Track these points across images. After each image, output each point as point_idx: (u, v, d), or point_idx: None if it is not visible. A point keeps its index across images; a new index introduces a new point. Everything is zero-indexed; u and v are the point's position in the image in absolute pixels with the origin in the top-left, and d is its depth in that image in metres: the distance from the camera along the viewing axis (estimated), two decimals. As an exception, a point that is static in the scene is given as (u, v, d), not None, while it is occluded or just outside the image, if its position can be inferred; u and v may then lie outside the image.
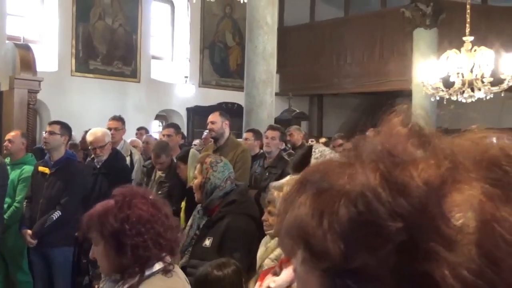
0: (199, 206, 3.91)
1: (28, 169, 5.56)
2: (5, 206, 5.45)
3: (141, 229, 2.02)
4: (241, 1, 5.08)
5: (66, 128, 5.45)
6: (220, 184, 3.86)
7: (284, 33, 13.19)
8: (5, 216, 5.41)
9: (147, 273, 2.04)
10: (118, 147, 6.33)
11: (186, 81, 13.00)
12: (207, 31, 13.63)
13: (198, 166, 3.92)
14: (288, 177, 2.92)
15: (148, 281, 2.03)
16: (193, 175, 4.75)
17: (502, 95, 8.28)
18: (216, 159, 4.01)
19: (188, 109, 13.16)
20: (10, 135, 5.73)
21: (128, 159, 6.56)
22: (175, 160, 5.53)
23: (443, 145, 0.57)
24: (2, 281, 5.75)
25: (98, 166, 5.62)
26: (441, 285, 0.49)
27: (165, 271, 2.09)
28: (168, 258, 2.10)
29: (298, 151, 5.70)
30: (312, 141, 6.92)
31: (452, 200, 0.52)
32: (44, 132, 5.40)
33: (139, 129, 9.03)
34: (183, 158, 5.21)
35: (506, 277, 0.49)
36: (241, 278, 2.81)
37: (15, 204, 5.54)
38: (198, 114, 12.45)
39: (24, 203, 5.44)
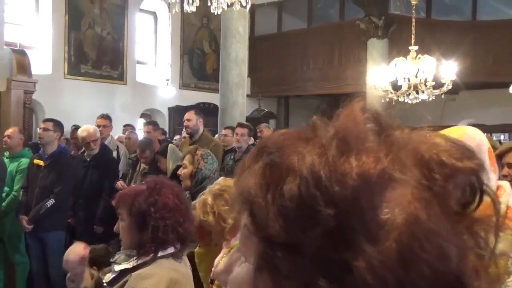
0: (186, 193, 3.92)
1: (25, 161, 5.52)
2: (4, 195, 5.39)
3: (164, 214, 2.03)
4: (215, 13, 5.06)
5: (58, 125, 5.41)
6: (210, 175, 3.87)
7: (255, 42, 13.19)
8: (4, 204, 5.36)
9: (160, 254, 2.04)
10: (106, 142, 6.29)
11: (167, 83, 12.91)
12: (186, 39, 13.57)
13: (189, 156, 3.92)
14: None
15: (160, 261, 2.03)
16: (172, 167, 4.77)
17: (443, 97, 8.42)
18: (205, 152, 4.02)
19: (169, 109, 13.08)
20: (9, 131, 5.66)
21: (115, 153, 6.54)
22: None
23: (394, 138, 0.53)
24: (1, 261, 5.69)
25: (89, 159, 5.60)
26: (354, 274, 0.47)
27: (176, 256, 2.09)
28: (179, 246, 2.10)
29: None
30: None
31: (384, 196, 0.49)
32: (38, 129, 5.33)
33: (125, 126, 8.96)
34: (163, 153, 5.22)
35: (414, 279, 0.47)
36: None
37: (13, 193, 5.49)
38: (178, 113, 12.37)
39: (21, 192, 5.40)
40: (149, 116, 12.91)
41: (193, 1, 4.86)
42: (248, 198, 0.53)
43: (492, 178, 1.84)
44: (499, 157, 3.61)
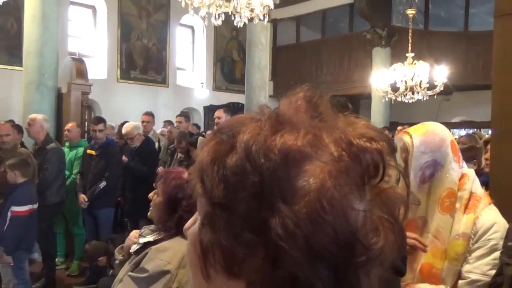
0: None
1: (81, 150, 5.62)
2: (65, 177, 5.53)
3: (192, 209, 2.00)
4: (239, 26, 5.06)
5: (105, 123, 5.57)
6: None
7: (277, 51, 13.16)
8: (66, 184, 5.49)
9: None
10: (149, 135, 6.37)
11: (202, 86, 13.01)
12: (218, 49, 13.62)
13: None
14: None
15: (177, 238, 1.98)
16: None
17: (435, 97, 8.26)
18: None
19: (204, 107, 13.15)
20: (68, 125, 5.79)
21: (156, 144, 6.61)
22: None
23: (323, 122, 0.55)
24: (63, 232, 5.82)
25: (133, 149, 5.68)
26: (271, 230, 0.48)
27: None
28: None
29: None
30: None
31: (301, 168, 0.50)
32: (93, 131, 5.42)
33: (165, 122, 9.07)
34: (195, 144, 5.25)
35: (318, 235, 0.48)
36: None
37: (72, 176, 5.61)
38: (212, 111, 12.35)
39: (78, 176, 5.51)
40: (187, 114, 13.00)
41: (219, 16, 4.85)
42: (201, 168, 0.55)
43: (454, 167, 1.77)
44: (486, 143, 3.58)
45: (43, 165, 4.94)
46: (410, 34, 8.12)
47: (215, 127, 5.19)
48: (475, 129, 10.10)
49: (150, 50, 12.18)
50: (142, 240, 2.01)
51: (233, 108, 10.68)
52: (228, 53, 13.88)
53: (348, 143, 0.52)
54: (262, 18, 4.85)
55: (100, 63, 11.26)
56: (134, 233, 2.20)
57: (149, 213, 2.10)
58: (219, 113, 5.81)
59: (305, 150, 0.51)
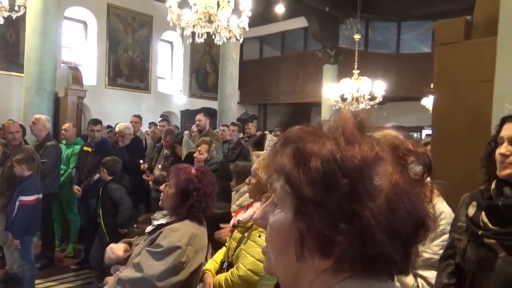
0: None
1: (77, 147, 5.47)
2: (62, 171, 5.34)
3: (202, 198, 1.99)
4: (218, 44, 5.05)
5: (101, 124, 5.45)
6: (217, 162, 3.89)
7: (244, 65, 13.17)
8: (63, 178, 5.32)
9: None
10: (137, 134, 6.26)
11: (180, 93, 12.82)
12: (193, 62, 13.46)
13: (206, 146, 3.90)
14: (259, 152, 2.85)
15: (186, 221, 1.99)
16: (185, 153, 4.76)
17: (376, 106, 8.53)
18: (218, 145, 4.02)
19: (181, 111, 12.96)
20: (65, 126, 5.61)
21: (144, 142, 6.50)
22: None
23: (374, 134, 0.59)
24: (59, 219, 5.63)
25: (124, 146, 5.56)
26: (362, 219, 0.52)
27: (199, 222, 2.05)
28: (202, 216, 2.07)
29: (253, 137, 5.78)
30: (265, 132, 6.98)
31: (376, 170, 0.54)
32: (91, 131, 5.26)
33: (150, 123, 8.90)
34: (180, 142, 5.20)
35: (398, 220, 0.53)
36: (230, 213, 2.81)
37: (69, 170, 5.43)
38: (188, 115, 12.31)
39: (74, 170, 5.35)
40: (166, 117, 12.80)
41: (202, 35, 4.83)
42: (284, 170, 0.57)
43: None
44: (425, 144, 3.67)
45: (41, 159, 4.76)
46: (356, 54, 8.34)
47: (193, 128, 5.04)
48: (406, 133, 10.48)
49: (134, 61, 11.89)
50: (156, 222, 2.02)
51: (207, 112, 10.61)
52: (202, 65, 13.75)
53: (406, 149, 0.56)
54: (238, 38, 4.87)
55: (90, 71, 10.87)
56: (119, 249, 2.19)
57: (160, 202, 2.11)
58: (200, 116, 5.79)
59: (378, 155, 0.55)
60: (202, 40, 4.93)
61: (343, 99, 8.40)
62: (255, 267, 2.05)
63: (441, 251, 1.73)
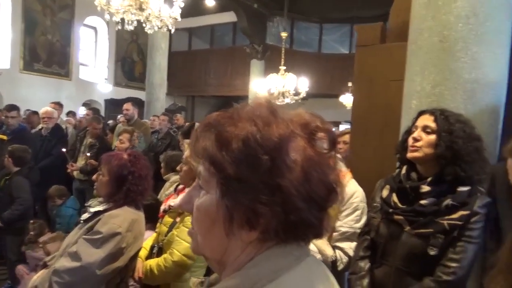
0: None
1: (-10, 136, 4.93)
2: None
3: (137, 182, 1.95)
4: (149, 32, 4.90)
5: (18, 110, 4.99)
6: (139, 150, 3.80)
7: (172, 56, 12.84)
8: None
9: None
10: (58, 122, 5.82)
11: (105, 81, 12.15)
12: (119, 50, 12.81)
13: (127, 135, 3.78)
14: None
15: (124, 207, 1.95)
16: (115, 142, 4.57)
17: (299, 101, 8.89)
18: (140, 134, 3.92)
19: (105, 100, 12.30)
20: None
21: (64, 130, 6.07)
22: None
23: (285, 115, 0.62)
24: None
25: (45, 134, 5.15)
26: (283, 190, 0.57)
27: (137, 207, 2.02)
28: (140, 200, 2.04)
29: (183, 127, 5.72)
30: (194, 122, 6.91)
31: (292, 145, 0.59)
32: (5, 117, 4.80)
33: (68, 113, 8.34)
34: (112, 129, 4.97)
35: (313, 187, 0.58)
36: (159, 202, 2.74)
37: (-18, 160, 4.89)
38: (112, 104, 11.72)
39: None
40: (89, 105, 12.07)
41: (131, 22, 4.66)
42: (208, 154, 0.60)
43: None
44: (338, 136, 3.93)
45: None
46: (283, 51, 8.60)
47: (119, 118, 4.88)
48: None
49: (54, 45, 10.96)
50: (93, 210, 1.95)
51: (135, 102, 10.22)
52: (129, 54, 13.14)
53: (315, 126, 0.63)
54: (170, 27, 4.77)
55: (2, 53, 9.83)
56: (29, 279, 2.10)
57: (95, 191, 2.05)
58: (127, 105, 5.56)
59: (293, 133, 0.60)
60: (132, 28, 4.75)
61: (270, 94, 8.63)
62: (190, 252, 2.07)
63: (356, 225, 1.94)
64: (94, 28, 12.47)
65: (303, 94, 8.37)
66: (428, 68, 2.05)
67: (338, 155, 2.15)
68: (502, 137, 2.07)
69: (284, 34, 8.78)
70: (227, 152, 0.58)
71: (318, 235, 0.64)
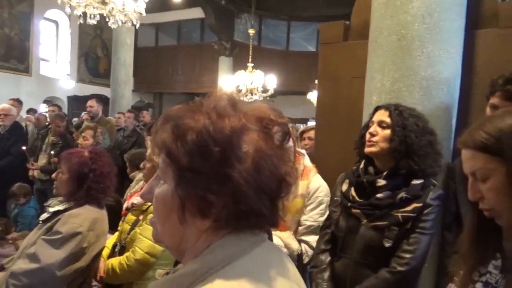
0: None
1: None
2: None
3: (99, 179, 1.90)
4: (112, 27, 4.77)
5: None
6: (104, 147, 3.71)
7: (139, 52, 12.57)
8: None
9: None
10: (17, 120, 5.56)
11: (67, 77, 11.72)
12: (83, 45, 12.39)
13: (90, 131, 3.67)
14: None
15: (85, 206, 1.90)
16: (79, 140, 4.43)
17: (268, 98, 8.94)
18: (104, 130, 3.82)
19: (68, 97, 11.88)
20: None
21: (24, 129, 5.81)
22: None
23: (243, 108, 0.64)
24: None
25: (2, 133, 4.90)
26: (233, 180, 0.59)
27: (100, 206, 1.97)
28: (103, 199, 1.99)
29: (148, 124, 5.62)
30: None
31: (244, 138, 0.61)
32: None
33: (29, 110, 8.00)
34: (78, 127, 4.81)
35: (263, 178, 0.60)
36: (120, 204, 2.70)
37: None
38: (76, 101, 11.35)
39: None
40: (51, 102, 11.62)
41: (94, 16, 4.52)
42: (164, 145, 0.62)
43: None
44: (302, 133, 3.99)
45: None
46: (251, 48, 8.61)
47: (83, 115, 4.76)
48: (292, 124, 11.20)
49: (12, 39, 10.45)
50: (52, 209, 1.89)
51: (100, 99, 9.94)
52: (93, 49, 12.73)
53: (269, 120, 0.65)
54: (135, 22, 4.67)
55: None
56: None
57: (54, 190, 1.98)
58: (91, 102, 5.40)
59: (245, 126, 0.62)
60: (94, 22, 4.61)
61: (238, 91, 8.63)
62: (153, 249, 2.05)
63: (320, 218, 1.97)
64: (55, 22, 12.01)
65: (271, 91, 8.42)
66: (387, 66, 2.12)
67: (303, 150, 2.16)
68: (456, 132, 2.17)
69: (251, 31, 8.80)
70: (182, 144, 0.60)
71: (273, 224, 0.67)
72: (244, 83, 8.33)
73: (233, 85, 8.56)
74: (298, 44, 12.98)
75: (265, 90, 8.51)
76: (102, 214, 1.98)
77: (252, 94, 8.39)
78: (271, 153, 0.62)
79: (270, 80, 8.56)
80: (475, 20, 2.25)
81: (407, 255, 1.54)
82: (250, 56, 8.57)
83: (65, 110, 11.25)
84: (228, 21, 11.90)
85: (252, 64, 8.48)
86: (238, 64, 10.48)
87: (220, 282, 0.58)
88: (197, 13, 12.11)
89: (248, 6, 10.82)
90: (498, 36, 2.16)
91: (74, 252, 1.80)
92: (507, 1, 2.33)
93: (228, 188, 0.59)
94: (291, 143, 0.68)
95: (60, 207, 1.89)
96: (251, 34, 8.84)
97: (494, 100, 1.67)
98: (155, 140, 0.64)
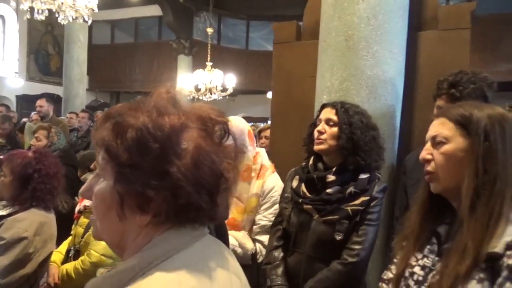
0: None
1: None
2: None
3: (45, 180, 1.83)
4: (62, 23, 4.57)
5: None
6: (60, 148, 3.54)
7: (93, 49, 12.09)
8: None
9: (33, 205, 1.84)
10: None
11: (16, 76, 11.09)
12: (32, 41, 11.77)
13: (43, 131, 3.49)
14: None
15: (32, 210, 1.83)
16: (29, 140, 4.20)
17: (227, 98, 8.93)
18: (58, 130, 3.64)
19: (17, 96, 11.26)
20: None
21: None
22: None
23: (184, 107, 0.66)
24: None
25: None
26: (172, 175, 0.60)
27: (47, 208, 1.90)
28: (50, 201, 1.91)
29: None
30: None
31: (183, 136, 0.63)
32: None
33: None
34: (21, 129, 4.57)
35: (202, 174, 0.62)
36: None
37: None
38: (25, 101, 10.77)
39: None
40: (6, 105, 10.95)
41: (42, 11, 4.31)
42: (104, 142, 0.63)
43: (250, 149, 2.01)
44: (260, 132, 4.03)
45: None
46: (209, 47, 8.56)
47: (32, 116, 4.54)
48: (252, 123, 11.28)
49: (-48, 34, 9.78)
50: None
51: (51, 98, 9.49)
52: (43, 46, 12.12)
53: (209, 118, 0.67)
54: (86, 19, 4.50)
55: None
56: None
57: None
58: (41, 102, 5.17)
59: (184, 124, 0.64)
60: (43, 18, 4.40)
61: (197, 89, 8.56)
62: (108, 251, 2.01)
63: (275, 218, 1.99)
64: (1, 17, 11.34)
65: (230, 90, 8.42)
66: (336, 65, 2.19)
67: (262, 149, 2.17)
68: (401, 129, 2.28)
69: (210, 30, 8.75)
70: (122, 141, 0.61)
71: (213, 219, 0.68)
72: (203, 82, 8.27)
73: (192, 84, 8.47)
74: (257, 43, 13.04)
75: (224, 89, 8.49)
76: (49, 218, 1.91)
77: (211, 93, 8.36)
78: (210, 150, 0.64)
79: (229, 79, 8.55)
80: (417, 22, 2.37)
81: (357, 246, 1.60)
82: (208, 55, 8.52)
83: (14, 109, 10.66)
84: (187, 20, 11.75)
85: (211, 63, 8.44)
86: (198, 63, 10.38)
87: (160, 275, 0.58)
88: (155, 10, 11.86)
89: (206, 4, 10.73)
90: (438, 37, 2.29)
91: (19, 259, 1.73)
92: (445, 6, 2.48)
93: (167, 183, 0.60)
94: (231, 141, 0.69)
95: (3, 212, 1.80)
96: (209, 33, 8.78)
97: (439, 102, 1.76)
98: (95, 137, 0.65)
